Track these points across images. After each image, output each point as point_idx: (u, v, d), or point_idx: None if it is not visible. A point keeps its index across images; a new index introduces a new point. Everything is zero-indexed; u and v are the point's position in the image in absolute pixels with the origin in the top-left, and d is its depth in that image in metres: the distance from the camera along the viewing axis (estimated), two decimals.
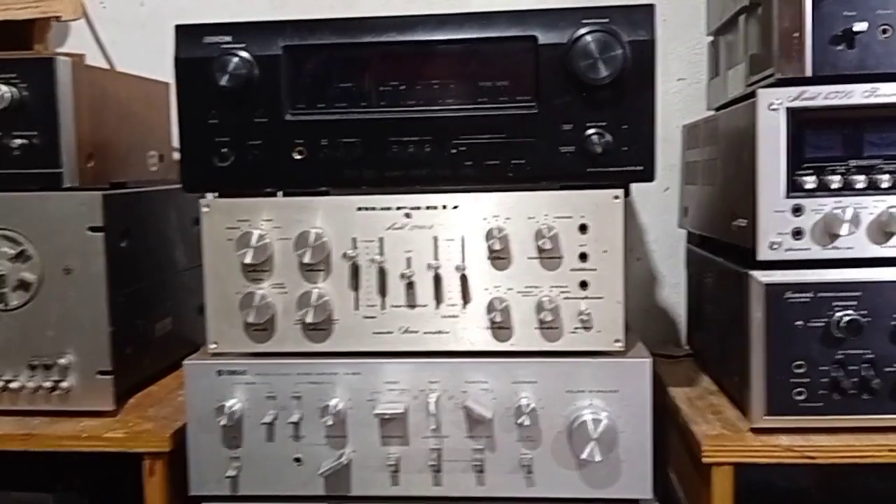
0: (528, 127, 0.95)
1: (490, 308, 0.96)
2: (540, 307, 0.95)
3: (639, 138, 0.94)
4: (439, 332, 0.98)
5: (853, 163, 0.96)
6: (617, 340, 0.96)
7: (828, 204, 0.95)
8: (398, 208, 0.97)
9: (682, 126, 1.43)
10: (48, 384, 1.06)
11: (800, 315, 0.96)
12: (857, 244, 0.96)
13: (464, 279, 0.97)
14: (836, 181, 0.95)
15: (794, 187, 0.96)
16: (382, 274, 0.98)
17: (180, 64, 0.97)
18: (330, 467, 0.97)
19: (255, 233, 0.97)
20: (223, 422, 0.97)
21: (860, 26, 0.92)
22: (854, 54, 0.93)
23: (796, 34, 0.94)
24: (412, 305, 0.98)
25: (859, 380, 0.95)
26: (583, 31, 0.92)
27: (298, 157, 0.97)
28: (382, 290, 0.98)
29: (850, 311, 0.95)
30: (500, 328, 0.97)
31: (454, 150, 0.95)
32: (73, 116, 1.08)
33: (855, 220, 0.94)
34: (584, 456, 0.94)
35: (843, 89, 0.94)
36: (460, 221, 0.97)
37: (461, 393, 0.97)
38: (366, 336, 0.99)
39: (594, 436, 0.93)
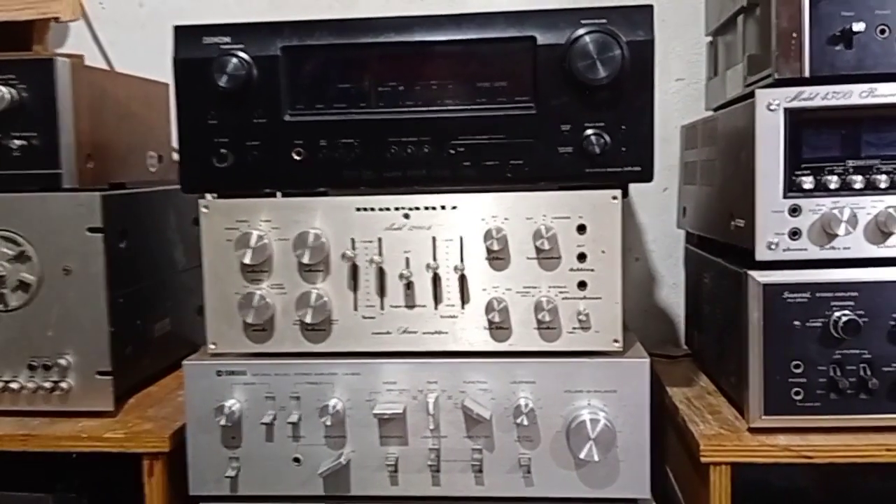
0: (527, 127, 0.95)
1: (489, 308, 0.96)
2: (538, 307, 0.95)
3: (637, 139, 0.94)
4: (438, 333, 0.98)
5: (851, 163, 0.96)
6: (615, 340, 0.96)
7: (825, 204, 0.96)
8: (397, 209, 0.97)
9: (680, 126, 1.43)
10: (48, 384, 1.07)
11: (797, 315, 0.96)
12: (855, 244, 0.96)
13: (462, 279, 0.97)
14: (833, 181, 0.96)
15: (791, 187, 0.96)
16: (381, 274, 0.98)
17: (179, 64, 0.97)
18: (329, 467, 0.97)
19: (254, 233, 0.97)
20: (222, 422, 0.97)
21: (858, 26, 0.92)
22: (852, 54, 0.94)
23: (794, 34, 0.94)
24: (411, 306, 0.98)
25: (857, 380, 0.95)
26: (581, 31, 0.92)
27: (297, 157, 0.97)
28: (381, 291, 0.98)
29: (847, 311, 0.95)
30: (499, 328, 0.97)
31: (453, 151, 0.96)
32: (73, 117, 1.08)
33: (852, 221, 0.94)
34: (582, 456, 0.94)
35: (841, 89, 0.94)
36: (459, 222, 0.97)
37: (460, 393, 0.97)
38: (365, 336, 0.99)
39: (592, 436, 0.94)
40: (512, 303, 0.97)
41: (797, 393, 0.96)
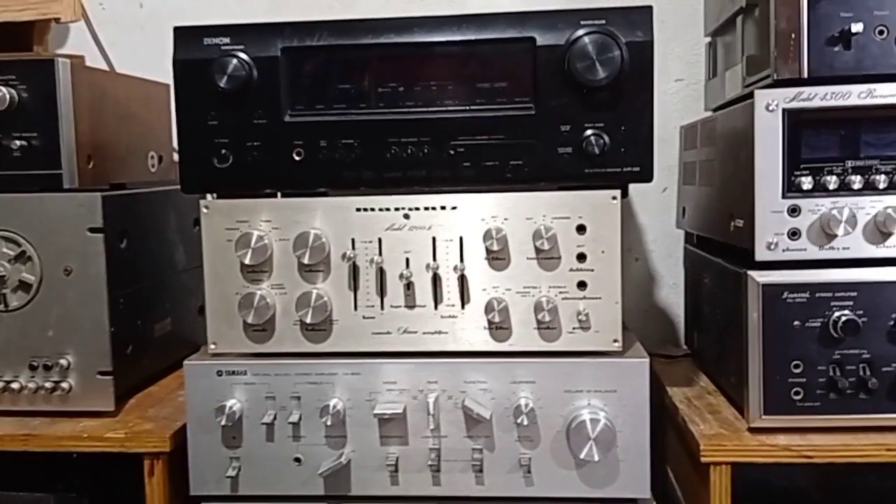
0: (527, 128, 0.95)
1: (488, 308, 0.96)
2: (538, 307, 0.96)
3: (636, 139, 0.94)
4: (438, 333, 0.98)
5: (850, 163, 0.96)
6: (615, 340, 0.97)
7: (825, 204, 0.96)
8: (397, 209, 0.98)
9: (679, 127, 1.44)
10: (48, 385, 1.07)
11: (797, 315, 0.96)
12: (854, 244, 0.96)
13: (462, 279, 0.98)
14: (832, 181, 0.96)
15: (791, 188, 0.96)
16: (381, 274, 0.98)
17: (179, 65, 0.97)
18: (329, 467, 0.97)
19: (255, 233, 0.97)
20: (223, 422, 0.97)
21: (857, 27, 0.92)
22: (851, 55, 0.94)
23: (793, 35, 0.94)
24: (411, 306, 0.98)
25: (856, 379, 0.95)
26: (580, 32, 0.92)
27: (297, 158, 0.97)
28: (381, 291, 0.99)
29: (846, 311, 0.95)
30: (499, 328, 0.98)
31: (452, 151, 0.96)
32: (73, 118, 1.08)
33: (851, 221, 0.95)
34: (582, 455, 0.94)
35: (839, 90, 0.94)
36: (459, 222, 0.97)
37: (460, 393, 0.97)
38: (365, 336, 0.99)
39: (592, 435, 0.94)
40: (512, 303, 0.97)
41: (797, 393, 0.96)
